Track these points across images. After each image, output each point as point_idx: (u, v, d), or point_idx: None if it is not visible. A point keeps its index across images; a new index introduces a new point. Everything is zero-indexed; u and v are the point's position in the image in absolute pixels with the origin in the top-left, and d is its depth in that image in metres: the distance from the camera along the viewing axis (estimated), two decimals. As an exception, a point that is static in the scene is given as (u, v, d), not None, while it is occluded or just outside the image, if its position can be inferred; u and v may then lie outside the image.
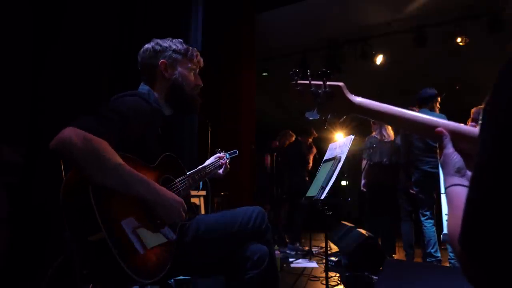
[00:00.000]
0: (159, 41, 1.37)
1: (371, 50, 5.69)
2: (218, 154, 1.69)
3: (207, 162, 1.64)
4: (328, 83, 0.83)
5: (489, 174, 0.43)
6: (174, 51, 1.35)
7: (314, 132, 5.18)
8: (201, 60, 1.44)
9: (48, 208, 1.93)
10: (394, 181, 4.02)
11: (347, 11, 5.16)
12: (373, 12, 5.10)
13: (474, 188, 0.46)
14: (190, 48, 1.41)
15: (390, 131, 4.18)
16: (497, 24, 4.75)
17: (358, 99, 0.82)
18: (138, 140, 1.17)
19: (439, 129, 0.72)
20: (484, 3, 4.78)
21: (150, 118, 1.22)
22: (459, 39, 5.07)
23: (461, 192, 0.62)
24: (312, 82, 0.84)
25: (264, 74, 6.40)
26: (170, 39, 1.40)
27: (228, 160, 1.72)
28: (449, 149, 0.69)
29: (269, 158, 5.13)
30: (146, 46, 1.37)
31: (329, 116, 0.86)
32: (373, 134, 4.22)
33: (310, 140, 5.16)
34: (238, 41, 4.36)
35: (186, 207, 1.16)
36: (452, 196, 0.64)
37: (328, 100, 0.83)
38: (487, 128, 0.46)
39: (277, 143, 5.26)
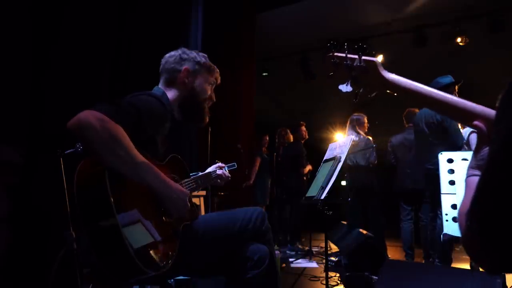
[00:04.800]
0: (186, 50, 1.44)
1: (371, 50, 5.67)
2: (218, 164, 1.71)
3: (209, 170, 1.66)
4: (363, 57, 0.84)
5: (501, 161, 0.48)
6: (198, 63, 1.43)
7: (302, 123, 5.17)
8: (219, 78, 1.53)
9: (48, 208, 1.93)
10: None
11: (347, 11, 5.16)
12: (373, 12, 5.10)
13: (489, 171, 0.51)
14: (212, 64, 1.49)
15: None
16: (497, 24, 4.75)
17: (392, 76, 0.84)
18: (148, 139, 1.20)
19: (476, 123, 0.72)
20: (484, 3, 4.78)
21: (163, 120, 1.26)
22: (459, 39, 5.06)
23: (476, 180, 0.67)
24: (348, 55, 0.85)
25: (264, 74, 6.39)
26: (196, 51, 1.46)
27: (226, 172, 1.72)
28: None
29: (259, 159, 5.11)
30: (173, 52, 1.44)
31: (361, 90, 0.87)
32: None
33: (303, 130, 5.13)
34: (238, 41, 4.35)
35: (191, 202, 1.20)
36: (468, 185, 0.69)
37: (362, 74, 0.84)
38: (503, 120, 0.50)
39: (267, 139, 5.29)
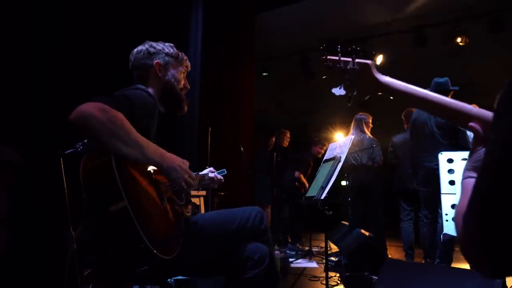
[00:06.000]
0: (152, 43, 1.44)
1: (371, 50, 5.69)
2: (210, 169, 1.74)
3: (202, 173, 1.70)
4: (356, 60, 0.83)
5: (500, 163, 0.48)
6: (167, 54, 1.43)
7: (325, 144, 5.21)
8: (189, 64, 1.54)
9: (48, 208, 1.93)
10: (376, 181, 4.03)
11: (347, 11, 5.16)
12: (373, 12, 5.10)
13: (489, 171, 0.51)
14: (180, 53, 1.49)
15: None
16: (497, 24, 4.75)
17: (385, 79, 0.83)
18: (141, 131, 1.20)
19: (472, 124, 0.71)
20: (484, 3, 4.78)
21: (154, 111, 1.30)
22: (459, 39, 5.06)
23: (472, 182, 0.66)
24: (341, 58, 0.85)
25: (264, 74, 6.40)
26: (162, 42, 1.47)
27: (218, 175, 1.75)
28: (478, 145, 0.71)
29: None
30: (140, 47, 1.44)
31: (354, 93, 0.86)
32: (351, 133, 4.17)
33: (319, 150, 5.19)
34: (238, 41, 4.35)
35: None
36: (465, 186, 0.68)
37: (355, 77, 0.84)
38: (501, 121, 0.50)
39: (273, 139, 5.30)
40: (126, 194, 0.99)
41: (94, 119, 0.99)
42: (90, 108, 1.00)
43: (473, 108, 0.74)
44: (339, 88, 0.86)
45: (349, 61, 0.84)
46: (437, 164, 3.06)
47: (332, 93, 0.87)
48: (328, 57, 0.86)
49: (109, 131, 1.00)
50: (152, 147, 1.10)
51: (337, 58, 0.85)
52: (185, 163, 1.19)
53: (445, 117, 0.79)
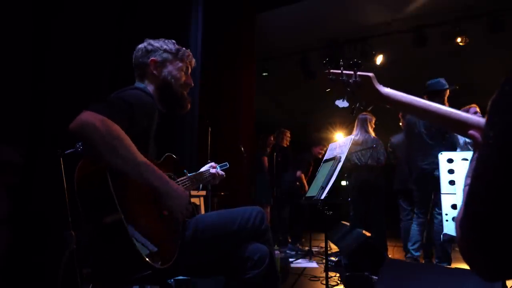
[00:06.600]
0: (151, 41, 1.42)
1: (371, 50, 5.69)
2: (211, 164, 1.71)
3: (203, 169, 1.67)
4: (358, 73, 0.87)
5: (491, 169, 0.48)
6: (165, 50, 1.40)
7: (326, 145, 5.23)
8: (193, 60, 1.50)
9: (48, 208, 1.93)
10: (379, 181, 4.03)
11: (347, 11, 5.16)
12: (373, 12, 5.10)
13: (479, 179, 0.51)
14: (182, 48, 1.45)
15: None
16: (497, 24, 4.75)
17: (386, 90, 0.86)
18: (141, 132, 1.20)
19: (471, 132, 0.72)
20: (484, 3, 4.78)
21: (153, 111, 1.27)
22: (459, 39, 5.06)
23: None
24: (344, 71, 0.88)
25: (264, 74, 6.39)
26: (163, 39, 1.44)
27: (219, 171, 1.72)
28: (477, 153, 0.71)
29: (266, 158, 5.14)
30: (140, 46, 1.42)
31: (357, 105, 0.91)
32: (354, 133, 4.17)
33: (319, 151, 5.21)
34: (238, 41, 4.35)
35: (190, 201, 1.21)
36: (465, 194, 0.67)
37: (358, 89, 0.87)
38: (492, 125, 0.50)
39: (272, 139, 5.29)
40: (120, 204, 0.97)
41: (96, 132, 0.97)
42: (92, 119, 0.99)
43: (471, 117, 0.75)
44: (342, 101, 0.90)
45: (351, 74, 0.87)
46: (428, 164, 3.13)
47: (336, 104, 0.91)
48: (331, 70, 0.90)
49: (108, 146, 0.99)
50: (151, 168, 1.06)
51: (339, 71, 0.88)
52: (185, 194, 1.15)
53: (445, 126, 0.81)
